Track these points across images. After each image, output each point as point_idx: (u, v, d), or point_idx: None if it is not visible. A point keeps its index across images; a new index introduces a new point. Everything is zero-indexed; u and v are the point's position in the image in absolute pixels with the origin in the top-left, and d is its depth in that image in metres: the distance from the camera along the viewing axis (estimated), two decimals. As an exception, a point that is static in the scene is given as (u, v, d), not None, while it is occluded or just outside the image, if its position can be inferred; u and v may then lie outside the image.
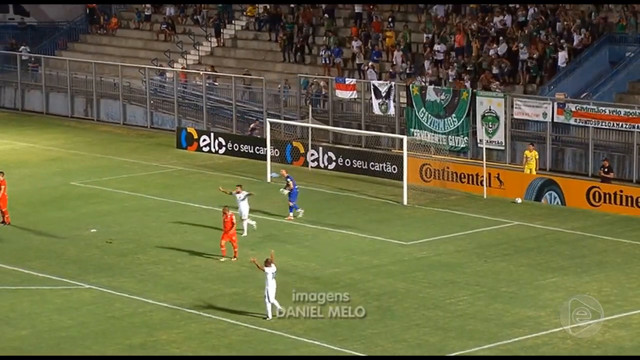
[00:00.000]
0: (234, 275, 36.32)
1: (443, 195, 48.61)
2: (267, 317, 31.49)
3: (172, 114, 64.98)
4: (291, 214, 43.96)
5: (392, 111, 56.33)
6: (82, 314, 31.98)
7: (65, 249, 39.41)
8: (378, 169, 52.63)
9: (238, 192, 40.41)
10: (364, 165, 53.23)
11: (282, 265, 37.64)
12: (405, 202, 47.20)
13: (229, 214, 37.29)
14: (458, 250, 39.76)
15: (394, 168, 51.07)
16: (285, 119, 58.56)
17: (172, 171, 53.10)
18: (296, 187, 43.82)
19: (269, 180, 51.36)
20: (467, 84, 55.62)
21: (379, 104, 56.69)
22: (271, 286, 31.34)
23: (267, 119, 54.63)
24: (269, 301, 31.39)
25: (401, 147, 49.63)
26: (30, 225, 41.89)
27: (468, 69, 57.32)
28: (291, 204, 43.81)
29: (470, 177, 49.46)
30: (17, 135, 64.38)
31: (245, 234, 40.06)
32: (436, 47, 59.54)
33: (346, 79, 58.87)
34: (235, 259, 37.30)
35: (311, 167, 54.65)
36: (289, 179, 43.84)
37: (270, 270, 31.36)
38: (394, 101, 56.08)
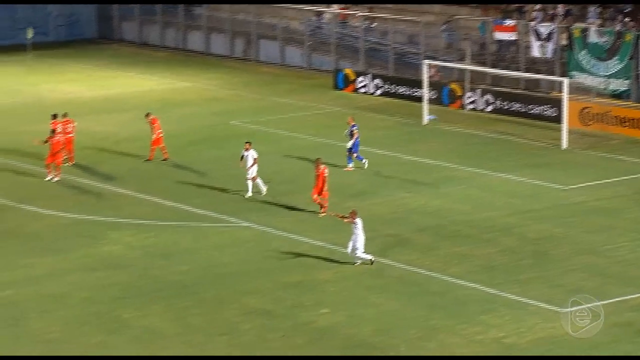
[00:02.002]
0: (388, 218, 36.44)
1: (603, 139, 47.61)
2: (372, 260, 31.26)
3: (330, 55, 65.18)
4: (350, 165, 42.35)
5: (551, 53, 55.20)
6: (240, 252, 32.64)
7: (225, 187, 40.17)
8: (537, 112, 51.82)
9: (247, 150, 38.63)
10: (523, 108, 52.47)
11: (436, 208, 37.71)
12: (564, 146, 46.40)
13: (321, 167, 36.63)
14: (617, 196, 38.94)
15: (554, 111, 50.19)
16: (442, 61, 58.04)
17: (328, 112, 53.40)
18: (358, 137, 42.48)
19: (425, 122, 51.17)
20: (631, 26, 53.93)
21: (538, 46, 55.58)
22: (360, 238, 31.09)
23: (425, 61, 54.23)
24: (356, 253, 31.02)
25: (561, 90, 48.70)
26: (190, 164, 42.79)
27: (631, 10, 55.49)
28: (355, 154, 42.38)
29: (633, 121, 48.25)
30: (178, 75, 65.68)
31: (249, 194, 38.51)
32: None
33: (506, 21, 57.88)
34: (323, 214, 36.27)
35: (468, 109, 54.15)
36: (354, 128, 42.39)
37: (360, 221, 30.92)
38: (555, 43, 54.90)
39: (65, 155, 42.37)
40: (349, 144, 42.36)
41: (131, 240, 33.79)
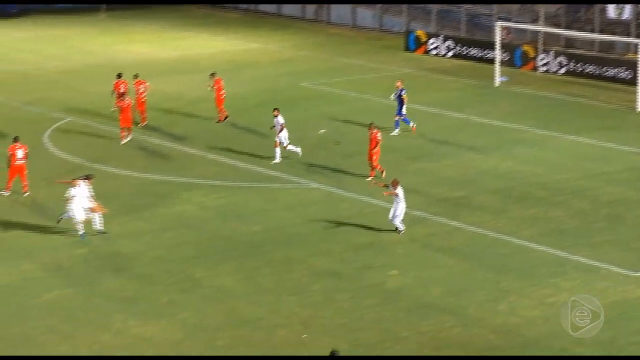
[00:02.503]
0: (459, 179, 36.30)
1: (680, 102, 46.89)
2: (402, 231, 30.94)
3: (401, 16, 64.79)
4: (397, 130, 41.58)
5: (628, 15, 54.29)
6: (310, 213, 32.76)
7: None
8: (611, 74, 51.18)
9: (276, 116, 38.23)
10: (596, 71, 51.86)
11: (507, 170, 37.46)
12: (639, 109, 45.75)
13: (374, 131, 36.09)
14: (693, 160, 38.42)
15: (629, 73, 49.49)
16: (515, 22, 57.43)
17: (399, 74, 53.15)
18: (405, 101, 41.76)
19: (497, 84, 50.77)
20: None
21: (614, 7, 54.71)
22: (401, 206, 30.47)
23: (498, 22, 53.67)
24: (395, 220, 30.52)
25: (636, 52, 47.94)
26: (260, 125, 42.92)
27: None
28: (401, 117, 41.59)
29: None
30: (250, 36, 65.83)
31: (277, 160, 37.99)
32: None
33: (580, -19, 57.03)
34: (371, 178, 35.60)
35: (541, 71, 53.59)
36: (402, 92, 41.59)
37: (401, 191, 30.67)
38: (631, 5, 53.98)
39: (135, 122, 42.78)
40: (402, 109, 41.70)
41: (203, 201, 34.09)
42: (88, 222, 30.27)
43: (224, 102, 43.92)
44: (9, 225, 31.76)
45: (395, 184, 30.68)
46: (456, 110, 46.25)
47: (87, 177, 30.69)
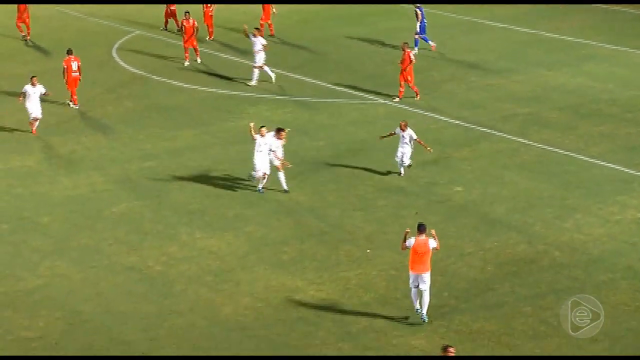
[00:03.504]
0: (527, 96, 35.92)
1: None
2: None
3: None
4: (417, 48, 40.51)
5: None
6: (376, 128, 32.60)
7: (363, 64, 40.11)
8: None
9: (255, 36, 37.49)
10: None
11: (577, 86, 36.95)
12: None
13: (407, 51, 35.12)
14: None
15: None
16: None
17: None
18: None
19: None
20: None
21: None
22: (407, 150, 28.69)
23: None
24: (404, 162, 28.94)
25: None
26: (327, 42, 42.70)
27: None
28: (421, 36, 41.11)
29: None
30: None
31: (253, 82, 37.44)
32: None
33: None
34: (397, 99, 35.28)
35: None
36: (418, 10, 41.00)
37: (407, 134, 28.70)
38: None
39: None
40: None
41: (269, 115, 34.12)
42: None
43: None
44: (78, 139, 32.15)
45: (404, 126, 28.64)
46: (526, 25, 45.58)
47: (278, 131, 28.13)
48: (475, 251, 24.12)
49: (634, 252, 23.72)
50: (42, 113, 32.39)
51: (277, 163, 27.76)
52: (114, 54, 41.61)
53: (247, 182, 28.26)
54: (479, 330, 20.45)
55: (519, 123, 32.91)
